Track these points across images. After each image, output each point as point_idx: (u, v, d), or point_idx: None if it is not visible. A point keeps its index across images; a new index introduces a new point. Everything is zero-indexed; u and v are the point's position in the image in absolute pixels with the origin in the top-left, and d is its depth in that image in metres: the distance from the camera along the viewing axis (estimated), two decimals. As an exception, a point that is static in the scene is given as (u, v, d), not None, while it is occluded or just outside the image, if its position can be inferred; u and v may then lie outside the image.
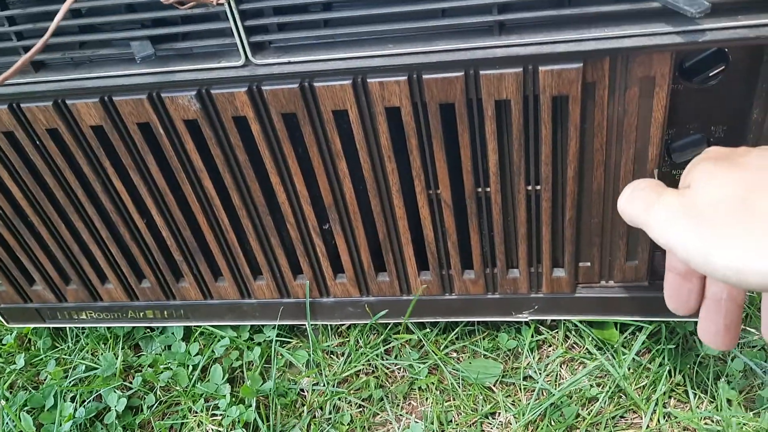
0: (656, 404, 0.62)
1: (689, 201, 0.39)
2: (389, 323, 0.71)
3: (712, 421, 0.60)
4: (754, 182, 0.37)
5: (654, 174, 0.52)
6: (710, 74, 0.49)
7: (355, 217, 0.60)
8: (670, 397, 0.63)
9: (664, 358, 0.64)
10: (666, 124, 0.50)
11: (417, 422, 0.64)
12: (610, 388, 0.63)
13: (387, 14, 0.48)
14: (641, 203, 0.42)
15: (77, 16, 0.51)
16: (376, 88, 0.50)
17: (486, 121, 0.51)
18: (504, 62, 0.48)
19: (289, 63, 0.50)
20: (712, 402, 0.62)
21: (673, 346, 0.65)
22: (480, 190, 0.57)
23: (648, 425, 0.61)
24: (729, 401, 0.61)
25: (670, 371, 0.63)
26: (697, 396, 0.62)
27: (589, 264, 0.61)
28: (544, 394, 0.65)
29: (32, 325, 0.78)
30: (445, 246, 0.62)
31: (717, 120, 0.53)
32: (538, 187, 0.56)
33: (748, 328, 0.66)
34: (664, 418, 0.61)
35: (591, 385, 0.64)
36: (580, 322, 0.67)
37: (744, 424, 0.59)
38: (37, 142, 0.58)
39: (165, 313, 0.73)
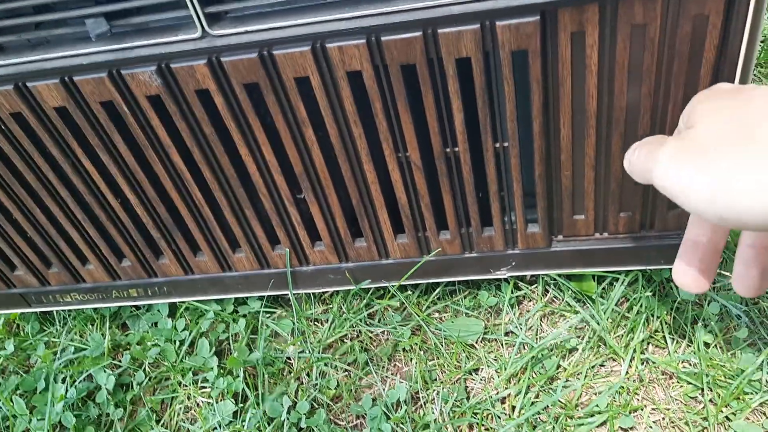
0: (634, 351, 0.63)
1: (692, 141, 0.36)
2: (371, 288, 0.71)
3: (690, 364, 0.62)
4: (761, 113, 0.35)
5: None
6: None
7: (327, 184, 0.60)
8: (648, 343, 0.64)
9: (642, 306, 0.65)
10: (717, 64, 0.49)
11: (402, 382, 0.65)
12: (589, 338, 0.64)
13: (342, -23, 0.47)
14: (644, 153, 0.41)
15: (30, -3, 0.51)
16: (336, 53, 0.50)
17: (448, 80, 0.51)
18: (461, 19, 0.48)
19: (247, 32, 0.50)
20: (690, 346, 0.63)
21: (650, 294, 0.65)
22: (449, 150, 0.57)
23: (627, 371, 0.62)
24: (707, 344, 0.62)
25: (647, 318, 0.64)
26: (675, 341, 0.63)
27: (630, 213, 0.60)
28: (526, 348, 0.65)
29: (19, 311, 0.79)
30: (419, 208, 0.62)
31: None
32: (506, 144, 0.56)
33: (723, 272, 0.66)
34: (643, 364, 0.62)
35: (572, 337, 0.65)
36: (558, 275, 0.68)
37: (721, 365, 0.60)
38: (2, 127, 0.58)
39: (149, 290, 0.74)
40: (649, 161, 0.40)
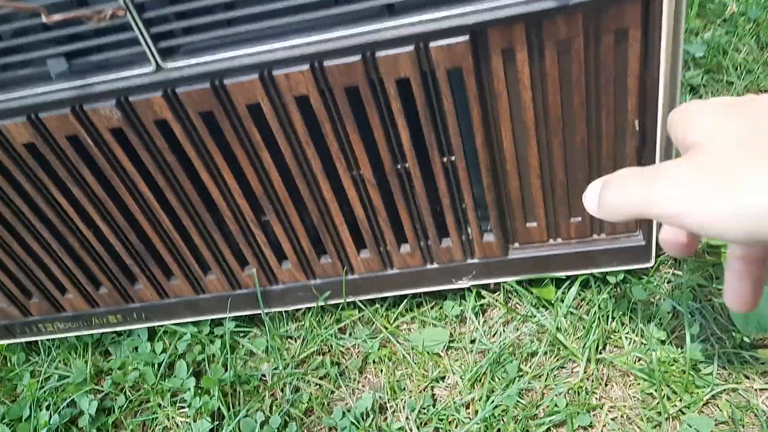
0: (590, 351, 0.65)
1: (709, 158, 0.32)
2: (341, 303, 0.74)
3: (646, 362, 0.64)
4: None
5: (636, 125, 0.55)
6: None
7: (287, 205, 0.63)
8: (606, 344, 0.66)
9: (598, 307, 0.67)
10: (643, 73, 0.52)
11: (369, 393, 0.67)
12: (548, 341, 0.66)
13: (285, 8, 0.50)
14: (635, 185, 0.35)
15: (-6, 41, 0.54)
16: (283, 80, 0.53)
17: (391, 100, 0.54)
18: (397, 42, 0.51)
19: (198, 64, 0.53)
20: (646, 344, 0.65)
21: (606, 296, 0.68)
22: (399, 166, 0.60)
23: (585, 371, 0.64)
24: (661, 341, 0.64)
25: (604, 319, 0.67)
26: (632, 340, 0.65)
27: (580, 219, 0.63)
28: (489, 353, 0.68)
29: (5, 342, 0.81)
30: (378, 223, 0.65)
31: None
32: (453, 158, 0.59)
33: (676, 272, 0.69)
34: (601, 363, 0.65)
35: (531, 341, 0.67)
36: (518, 282, 0.70)
37: (674, 361, 0.62)
38: (-25, 165, 0.61)
39: (127, 316, 0.76)
40: (648, 193, 0.34)
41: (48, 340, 0.83)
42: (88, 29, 0.53)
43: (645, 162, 0.58)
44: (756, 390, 0.60)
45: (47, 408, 0.76)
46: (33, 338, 0.80)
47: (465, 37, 0.50)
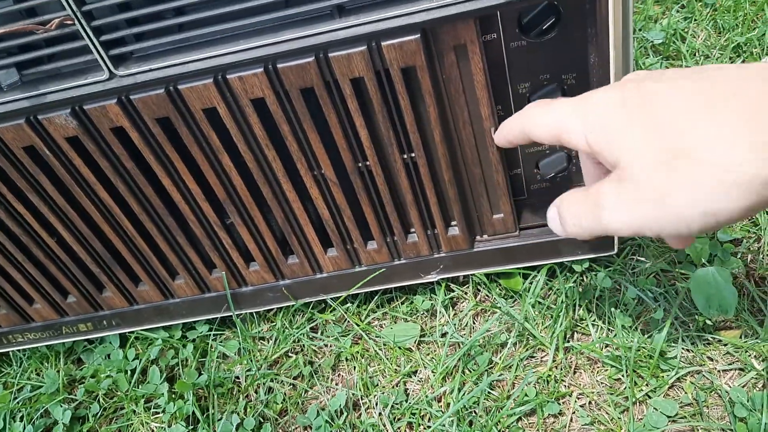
0: (558, 340, 0.65)
1: (632, 182, 0.38)
2: (312, 302, 0.74)
3: (613, 348, 0.64)
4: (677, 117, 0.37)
5: (491, 131, 0.56)
6: (544, 27, 0.52)
7: (251, 207, 0.63)
8: (574, 332, 0.67)
9: (565, 296, 0.68)
10: (489, 84, 0.53)
11: (342, 391, 0.68)
12: (517, 331, 0.67)
13: (236, 11, 0.50)
14: (586, 218, 0.42)
15: (-57, 53, 0.53)
16: (237, 83, 0.53)
17: (347, 99, 0.54)
18: (348, 42, 0.51)
19: (151, 70, 0.53)
20: (612, 331, 0.66)
21: (572, 285, 0.68)
22: (360, 164, 0.60)
23: (554, 359, 0.65)
24: (627, 328, 0.65)
25: (570, 308, 0.67)
26: (598, 327, 0.66)
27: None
28: (460, 346, 0.68)
29: (-25, 355, 0.81)
30: (343, 222, 0.65)
31: (566, 69, 0.56)
32: (413, 155, 0.59)
33: (640, 258, 0.69)
34: (569, 351, 0.65)
35: (502, 332, 0.68)
36: (486, 275, 0.71)
37: (641, 347, 0.63)
38: (-69, 179, 0.60)
39: (97, 324, 0.76)
40: (598, 222, 0.41)
41: (19, 350, 0.83)
42: (39, 39, 0.52)
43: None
44: (719, 371, 0.61)
45: (21, 419, 0.76)
46: (3, 350, 0.79)
47: (416, 35, 0.50)
